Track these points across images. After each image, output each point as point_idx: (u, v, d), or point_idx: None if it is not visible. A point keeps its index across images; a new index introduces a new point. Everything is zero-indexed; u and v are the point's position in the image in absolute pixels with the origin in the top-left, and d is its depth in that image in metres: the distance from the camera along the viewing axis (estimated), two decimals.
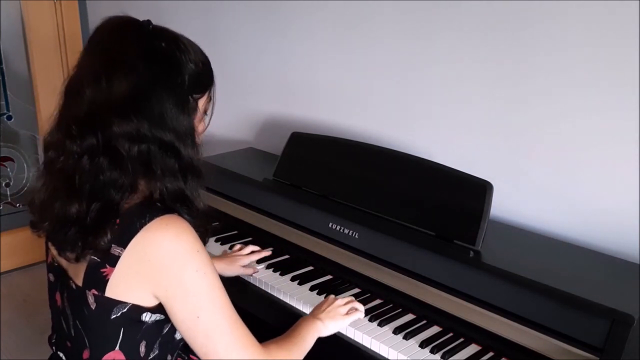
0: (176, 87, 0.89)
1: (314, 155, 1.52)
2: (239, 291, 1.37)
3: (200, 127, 0.99)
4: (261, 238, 1.54)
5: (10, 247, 2.76)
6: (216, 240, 1.56)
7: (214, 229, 1.61)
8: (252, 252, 1.42)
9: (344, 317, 1.14)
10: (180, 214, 0.88)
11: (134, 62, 0.86)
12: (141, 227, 0.84)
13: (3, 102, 2.69)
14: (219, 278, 0.90)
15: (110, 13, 0.93)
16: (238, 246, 1.45)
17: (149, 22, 0.91)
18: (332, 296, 1.21)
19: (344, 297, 1.20)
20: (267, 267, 1.41)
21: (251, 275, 1.37)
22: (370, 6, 1.64)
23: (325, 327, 1.10)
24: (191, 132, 0.92)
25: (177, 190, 0.89)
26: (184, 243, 0.85)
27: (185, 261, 0.85)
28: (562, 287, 1.04)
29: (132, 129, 0.84)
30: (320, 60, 1.83)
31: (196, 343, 0.89)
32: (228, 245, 1.53)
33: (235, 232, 1.61)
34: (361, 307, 1.19)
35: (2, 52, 2.63)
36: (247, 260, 1.39)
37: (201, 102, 0.96)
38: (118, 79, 0.85)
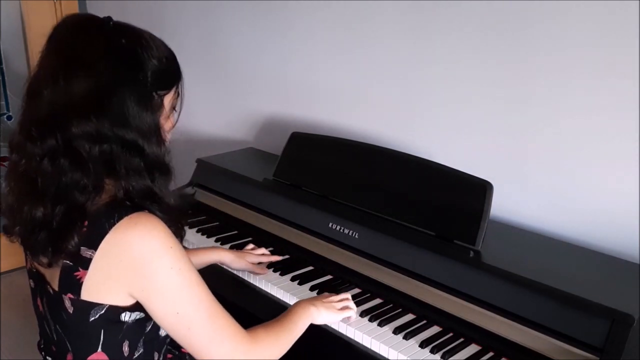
0: (138, 84, 0.86)
1: (314, 155, 1.52)
2: (239, 291, 1.37)
3: (168, 124, 0.96)
4: (261, 238, 1.54)
5: (11, 247, 2.71)
6: (216, 240, 1.55)
7: (214, 228, 1.61)
8: (263, 254, 1.42)
9: (338, 312, 1.15)
10: (150, 211, 0.87)
11: (92, 60, 0.84)
12: (110, 227, 0.82)
13: (3, 102, 2.69)
14: (195, 271, 0.89)
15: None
16: (251, 245, 1.44)
17: (109, 18, 0.89)
18: (327, 293, 1.21)
19: (340, 295, 1.20)
20: (267, 267, 1.41)
21: (257, 273, 1.37)
22: (371, 6, 1.64)
23: (319, 313, 1.10)
24: (155, 129, 0.89)
25: (144, 188, 0.87)
26: (155, 240, 0.84)
27: (158, 259, 0.84)
28: (562, 287, 1.04)
29: (92, 129, 0.83)
30: (320, 60, 1.83)
31: (179, 337, 0.88)
32: (229, 245, 1.53)
33: (235, 232, 1.61)
34: (354, 307, 1.19)
35: (2, 52, 2.63)
36: (256, 259, 1.38)
37: (167, 99, 0.93)
38: (76, 78, 0.83)
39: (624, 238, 1.26)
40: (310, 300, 1.13)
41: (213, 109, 2.27)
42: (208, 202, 1.68)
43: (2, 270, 2.76)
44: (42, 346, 1.04)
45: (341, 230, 1.36)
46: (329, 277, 1.38)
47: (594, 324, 0.98)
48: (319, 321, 1.11)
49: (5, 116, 2.71)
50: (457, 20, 1.45)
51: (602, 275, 1.17)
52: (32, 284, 1.01)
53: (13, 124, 2.73)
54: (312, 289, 1.32)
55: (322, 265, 1.40)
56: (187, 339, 0.88)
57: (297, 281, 1.35)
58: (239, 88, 2.14)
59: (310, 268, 1.42)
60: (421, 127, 1.60)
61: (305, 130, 1.64)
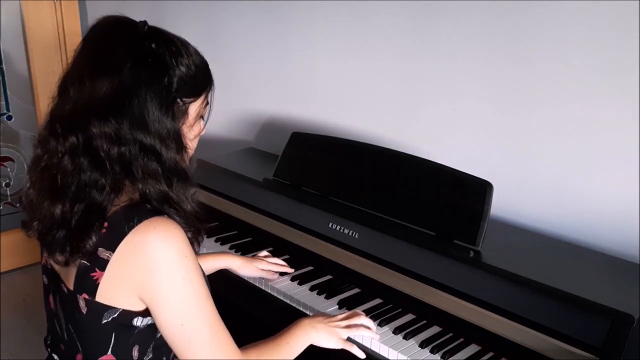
0: (161, 90, 0.86)
1: (314, 155, 1.52)
2: (239, 291, 1.37)
3: (194, 131, 0.96)
4: (261, 238, 1.54)
5: (10, 247, 2.76)
6: (216, 240, 1.56)
7: (214, 229, 1.61)
8: (275, 263, 1.38)
9: (339, 342, 1.08)
10: (169, 216, 0.87)
11: (118, 62, 0.84)
12: (129, 230, 0.83)
13: (3, 102, 2.69)
14: (205, 285, 0.89)
15: (109, 12, 0.92)
16: (264, 252, 1.43)
17: (144, 22, 0.89)
18: (353, 311, 1.15)
19: (354, 317, 1.13)
20: None
21: (266, 279, 1.35)
22: (371, 7, 1.64)
23: (319, 337, 1.06)
24: (176, 135, 0.89)
25: (160, 193, 0.87)
26: (172, 248, 0.84)
27: (172, 267, 0.84)
28: (562, 287, 1.04)
29: (111, 130, 0.83)
30: (320, 60, 1.83)
31: (178, 348, 0.88)
32: (228, 245, 1.54)
33: (235, 232, 1.61)
34: (370, 323, 1.13)
35: (2, 52, 2.63)
36: (266, 266, 1.36)
37: (194, 106, 0.93)
38: (100, 79, 0.83)
39: (624, 238, 1.26)
40: (312, 322, 1.08)
41: (213, 108, 2.26)
42: (208, 202, 1.68)
43: (2, 270, 2.76)
44: (49, 342, 1.04)
45: (341, 230, 1.36)
46: (328, 277, 1.38)
47: (594, 324, 0.98)
48: (319, 344, 1.07)
49: (5, 116, 2.71)
50: (458, 20, 1.45)
51: (602, 275, 1.17)
52: (45, 280, 1.00)
53: (13, 124, 2.73)
54: (312, 289, 1.32)
55: (322, 265, 1.40)
56: (184, 351, 0.88)
57: (297, 281, 1.35)
58: (239, 88, 2.14)
59: (310, 268, 1.42)
60: (421, 127, 1.60)
61: (305, 130, 1.64)
